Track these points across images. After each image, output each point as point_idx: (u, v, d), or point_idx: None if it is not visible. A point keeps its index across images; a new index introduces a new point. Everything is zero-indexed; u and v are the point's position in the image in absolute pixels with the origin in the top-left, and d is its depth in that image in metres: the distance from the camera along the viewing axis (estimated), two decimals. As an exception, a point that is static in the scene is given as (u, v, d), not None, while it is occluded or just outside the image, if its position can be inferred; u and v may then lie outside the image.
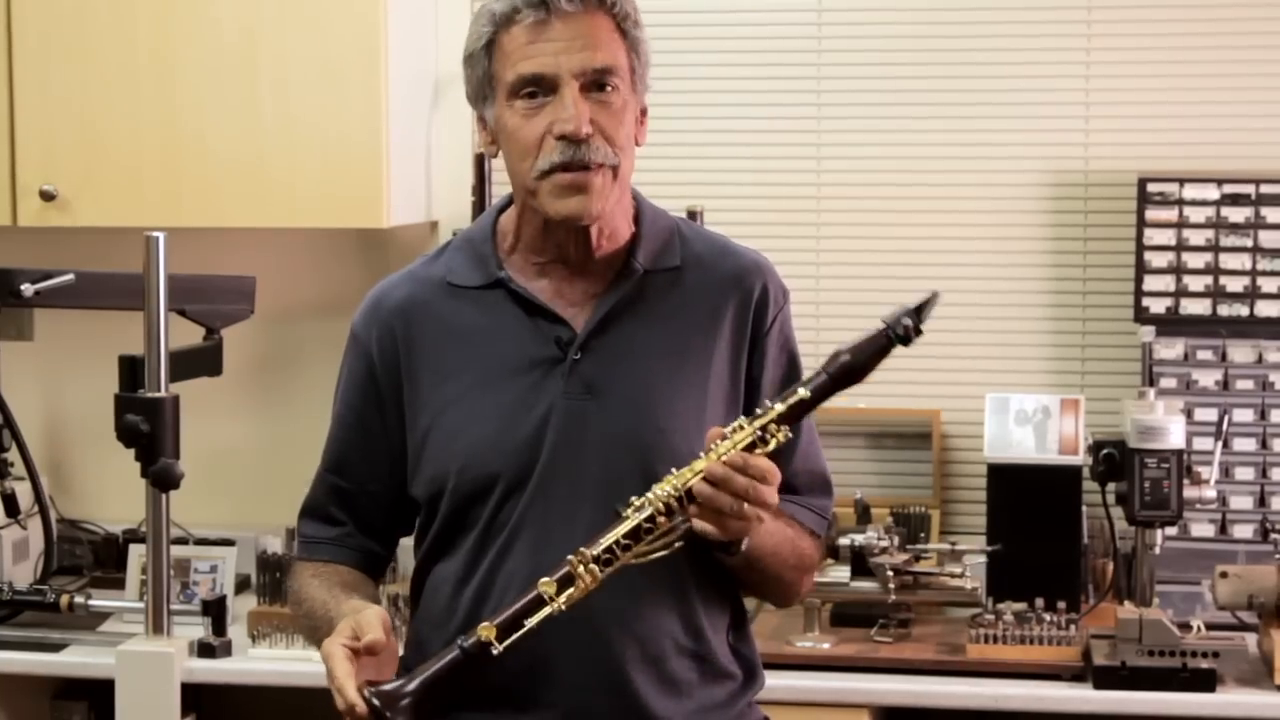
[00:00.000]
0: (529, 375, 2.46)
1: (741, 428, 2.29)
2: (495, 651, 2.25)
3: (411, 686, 2.26)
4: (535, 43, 2.39)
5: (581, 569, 2.26)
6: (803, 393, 2.31)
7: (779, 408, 2.30)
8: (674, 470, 2.29)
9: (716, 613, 2.52)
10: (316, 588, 2.54)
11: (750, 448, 2.28)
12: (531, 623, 2.26)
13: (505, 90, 2.42)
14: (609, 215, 2.47)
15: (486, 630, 2.25)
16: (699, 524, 2.30)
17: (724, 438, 2.29)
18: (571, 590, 2.26)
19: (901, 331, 2.30)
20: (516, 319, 2.48)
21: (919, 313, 2.30)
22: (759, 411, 2.31)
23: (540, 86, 2.39)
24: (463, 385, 2.48)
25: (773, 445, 2.29)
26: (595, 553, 2.26)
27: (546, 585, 2.26)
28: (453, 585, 2.48)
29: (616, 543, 2.27)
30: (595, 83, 2.40)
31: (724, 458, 2.27)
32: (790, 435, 2.31)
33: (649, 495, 2.28)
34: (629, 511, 2.28)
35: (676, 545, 2.30)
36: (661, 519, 2.27)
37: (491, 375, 2.47)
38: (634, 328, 2.48)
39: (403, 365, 2.51)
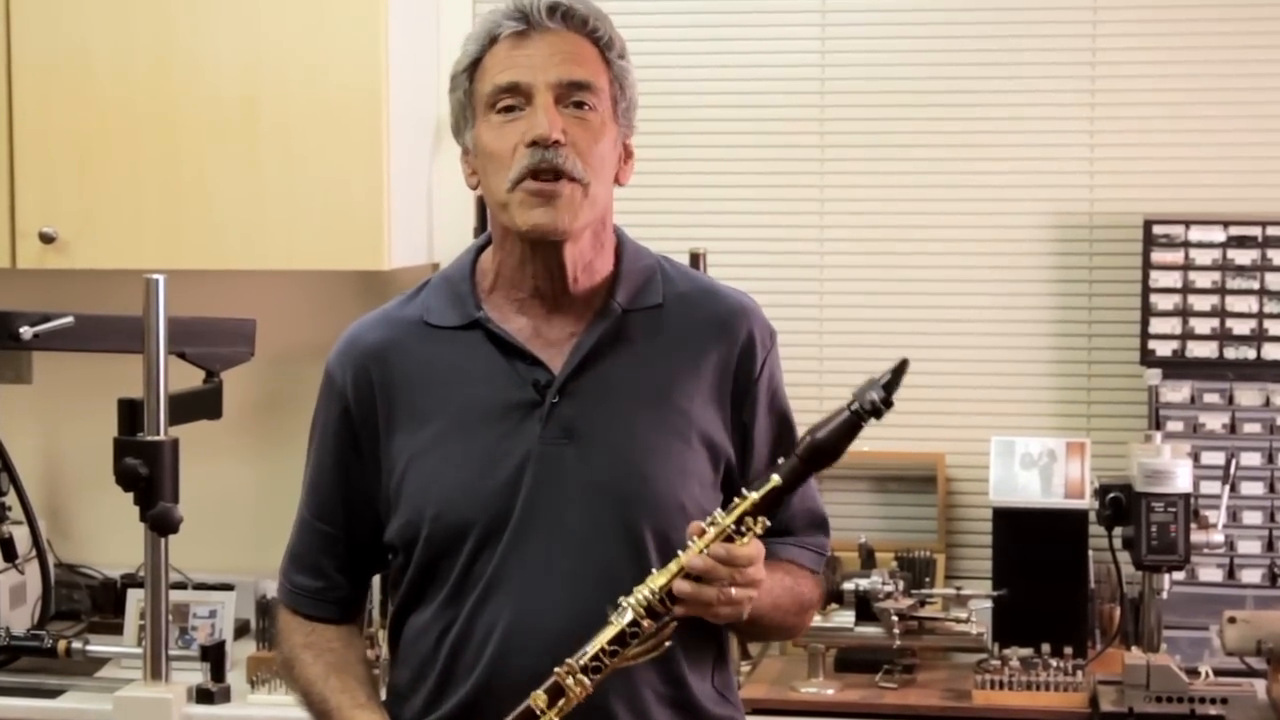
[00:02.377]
0: (506, 420, 2.42)
1: (715, 522, 2.27)
2: None
3: None
4: (513, 54, 2.39)
5: (570, 680, 2.25)
6: (776, 480, 2.28)
7: (753, 497, 2.27)
8: (654, 570, 2.28)
9: (698, 657, 2.49)
10: (310, 665, 2.52)
11: (728, 540, 2.26)
12: None
13: (483, 105, 2.41)
14: (582, 240, 2.43)
15: None
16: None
17: (702, 533, 2.27)
18: (562, 703, 2.26)
19: (869, 407, 2.26)
20: (494, 361, 2.44)
21: (887, 386, 2.25)
22: (735, 502, 2.28)
23: (516, 97, 2.38)
24: (438, 429, 2.44)
25: (748, 538, 2.27)
26: (583, 662, 2.26)
27: (537, 698, 2.26)
28: (431, 636, 2.45)
29: (603, 650, 2.26)
30: (572, 100, 2.38)
31: (705, 551, 2.25)
32: (768, 524, 2.28)
33: (631, 600, 2.26)
34: (614, 616, 2.27)
35: (665, 646, 2.29)
36: (646, 622, 2.26)
37: (467, 419, 2.43)
38: (614, 369, 2.44)
39: (379, 408, 2.48)
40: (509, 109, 2.38)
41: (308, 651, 2.54)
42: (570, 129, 2.37)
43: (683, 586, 2.25)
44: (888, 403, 2.24)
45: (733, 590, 2.26)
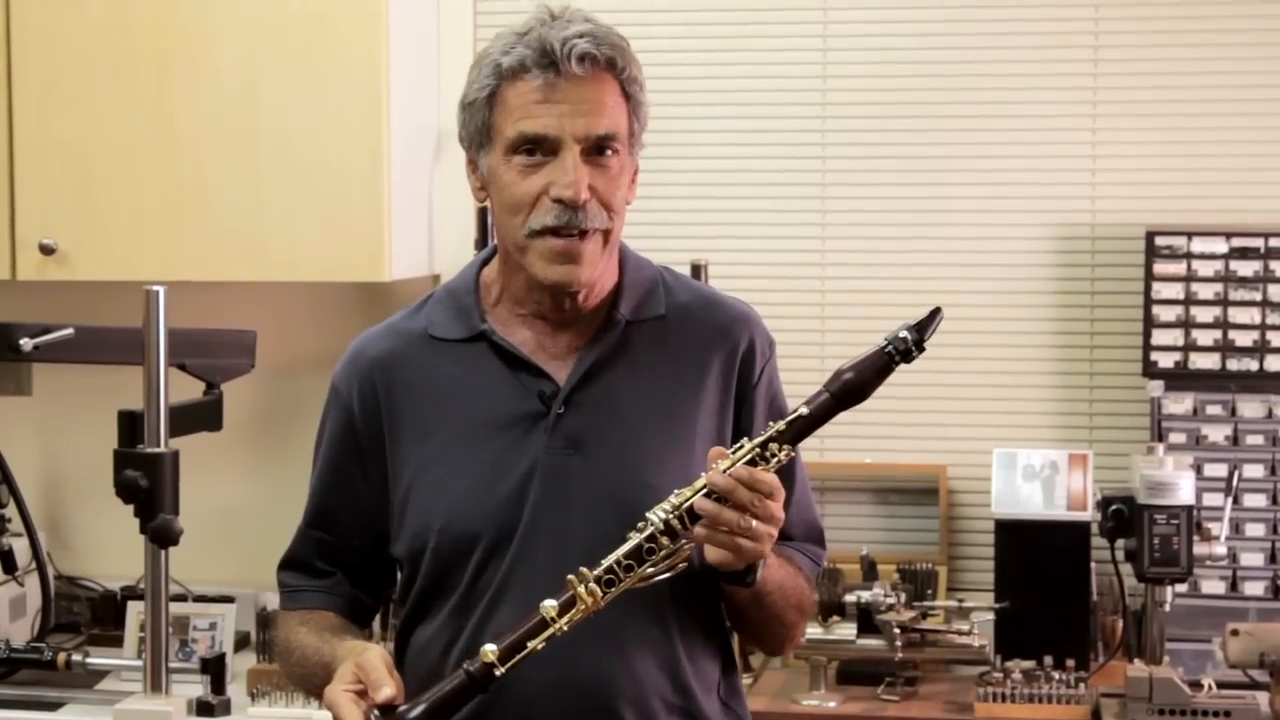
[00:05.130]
0: (512, 431, 2.43)
1: (743, 446, 2.26)
2: (498, 673, 2.22)
3: (418, 711, 2.23)
4: (541, 103, 2.35)
5: (582, 589, 2.23)
6: (804, 410, 2.27)
7: (780, 426, 2.27)
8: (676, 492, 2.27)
9: (705, 668, 2.49)
10: (305, 635, 2.50)
11: (751, 465, 2.25)
12: (534, 645, 2.23)
13: (504, 145, 2.39)
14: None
15: (490, 654, 2.22)
16: (713, 554, 2.27)
17: (725, 457, 2.25)
18: (573, 612, 2.23)
19: (902, 348, 2.26)
20: (499, 373, 2.45)
21: (921, 329, 2.26)
22: (761, 431, 2.28)
23: (541, 146, 2.36)
24: (444, 441, 2.45)
25: (774, 464, 2.25)
26: (597, 573, 2.23)
27: (549, 609, 2.23)
28: (438, 647, 2.44)
29: (618, 563, 2.24)
30: (596, 148, 2.37)
31: (728, 472, 2.23)
32: (792, 454, 2.28)
33: (649, 515, 2.24)
34: (633, 532, 2.25)
35: (680, 567, 2.26)
36: (664, 539, 2.24)
37: (474, 431, 2.44)
38: (618, 380, 2.45)
39: (384, 420, 2.48)
40: (531, 153, 2.37)
41: (303, 626, 2.52)
42: (594, 181, 2.36)
43: (704, 504, 2.23)
44: (920, 346, 2.25)
45: (753, 522, 2.23)
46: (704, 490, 2.24)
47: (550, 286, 2.39)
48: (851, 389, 2.26)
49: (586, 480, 2.38)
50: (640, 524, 2.25)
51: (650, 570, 2.25)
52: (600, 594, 2.23)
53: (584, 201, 2.35)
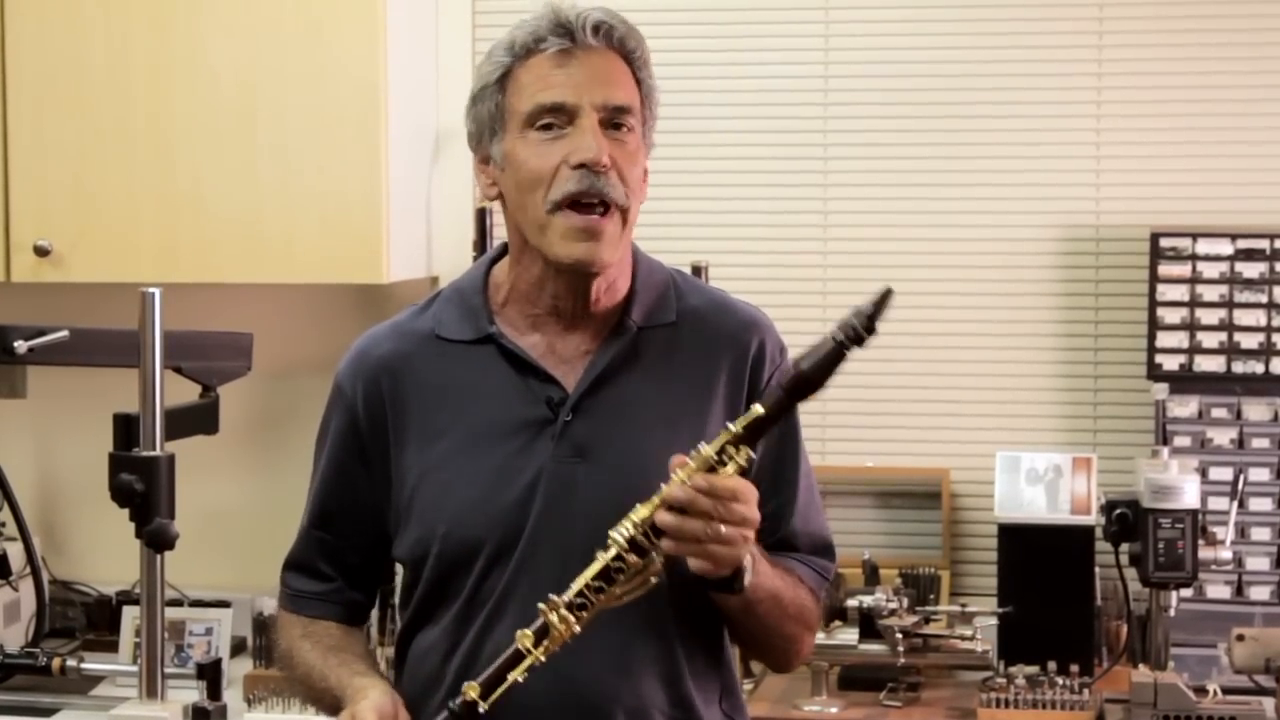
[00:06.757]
0: (518, 437, 2.40)
1: (699, 452, 2.23)
2: (481, 710, 2.21)
3: None
4: (557, 69, 2.36)
5: (554, 616, 2.21)
6: (758, 409, 2.24)
7: (735, 428, 2.23)
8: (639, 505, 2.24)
9: (706, 681, 2.47)
10: (308, 652, 2.51)
11: (710, 471, 2.21)
12: (513, 676, 2.21)
13: (520, 121, 2.37)
14: (613, 266, 2.41)
15: (472, 689, 2.21)
16: (693, 562, 2.24)
17: (685, 465, 2.22)
18: (548, 640, 2.21)
19: (852, 334, 2.23)
20: (506, 377, 2.43)
21: (871, 315, 2.23)
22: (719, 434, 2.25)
23: (559, 117, 2.35)
24: (450, 446, 2.42)
25: (732, 467, 2.22)
26: (568, 599, 2.21)
27: (524, 638, 2.21)
28: (439, 654, 2.43)
29: (588, 585, 2.22)
30: (613, 122, 2.37)
31: (685, 481, 2.20)
32: (753, 456, 2.24)
33: (613, 533, 2.22)
34: (600, 553, 2.22)
35: (653, 582, 2.24)
36: (631, 557, 2.21)
37: (479, 436, 2.41)
38: (627, 388, 2.43)
39: (389, 421, 2.46)
40: (549, 126, 2.35)
41: (306, 640, 2.53)
42: (612, 152, 2.35)
43: (665, 518, 2.20)
44: (871, 330, 2.22)
45: (722, 528, 2.20)
46: (662, 502, 2.21)
47: (570, 267, 2.36)
48: (803, 381, 2.24)
49: (592, 489, 2.36)
50: (607, 543, 2.22)
51: (623, 590, 2.23)
52: (573, 620, 2.21)
53: (606, 166, 2.33)
